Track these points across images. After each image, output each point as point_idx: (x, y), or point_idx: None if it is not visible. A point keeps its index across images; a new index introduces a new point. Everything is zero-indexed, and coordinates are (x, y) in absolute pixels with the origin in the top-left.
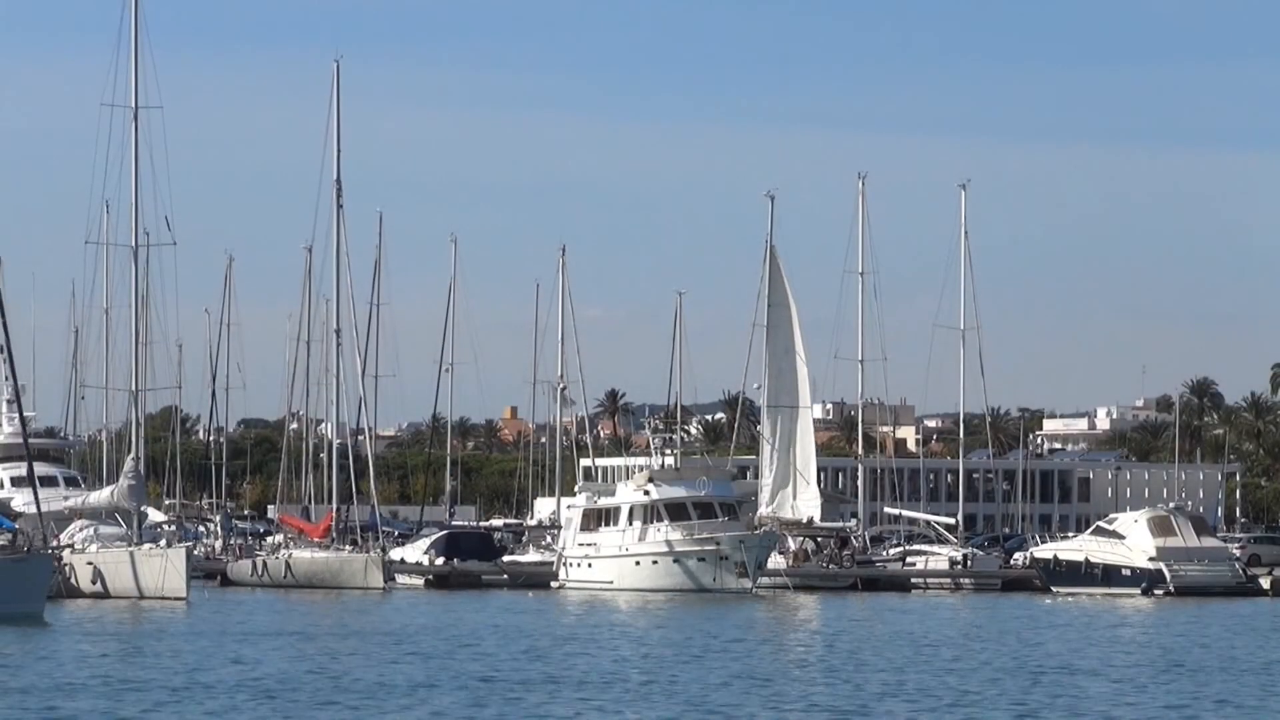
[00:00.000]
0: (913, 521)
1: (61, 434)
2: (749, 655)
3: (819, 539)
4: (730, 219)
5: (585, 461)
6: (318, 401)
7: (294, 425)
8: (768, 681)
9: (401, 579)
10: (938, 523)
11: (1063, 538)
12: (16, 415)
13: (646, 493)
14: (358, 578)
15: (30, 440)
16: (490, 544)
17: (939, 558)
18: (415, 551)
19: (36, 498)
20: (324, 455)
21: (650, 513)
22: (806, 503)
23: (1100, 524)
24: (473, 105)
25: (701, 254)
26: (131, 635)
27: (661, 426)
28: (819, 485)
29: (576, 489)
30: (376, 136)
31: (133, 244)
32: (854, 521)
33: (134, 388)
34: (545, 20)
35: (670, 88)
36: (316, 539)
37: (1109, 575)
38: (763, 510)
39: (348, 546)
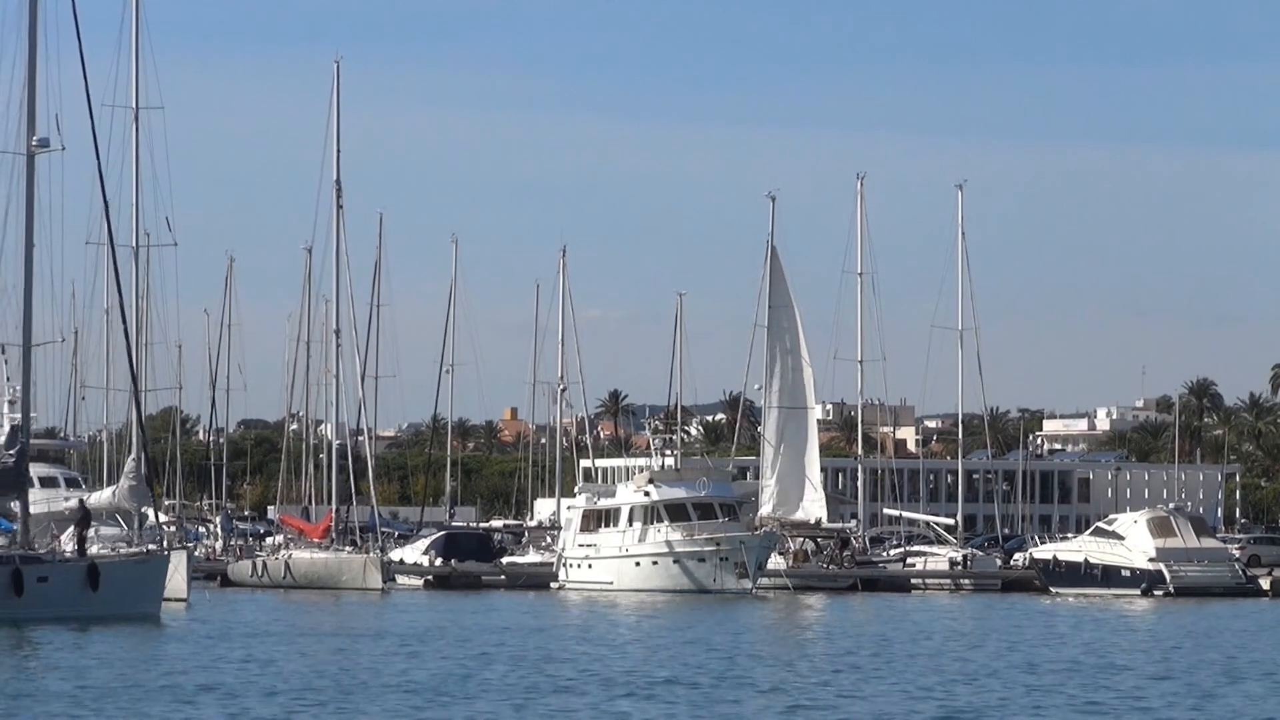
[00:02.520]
0: (912, 522)
1: (61, 434)
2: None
3: (819, 540)
4: (730, 219)
5: (585, 462)
6: (318, 402)
7: (294, 426)
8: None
9: (401, 579)
10: (937, 523)
11: (1062, 538)
12: (19, 415)
13: (647, 493)
14: (357, 578)
15: (31, 441)
16: (488, 545)
17: (939, 558)
18: (414, 552)
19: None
20: (324, 456)
21: (650, 513)
22: (814, 504)
23: (1100, 525)
24: (473, 105)
25: (701, 254)
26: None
27: (662, 427)
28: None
29: (576, 490)
30: (376, 136)
31: (133, 244)
32: (854, 522)
33: (133, 387)
34: (545, 21)
35: (670, 88)
36: (316, 539)
37: (1109, 576)
38: (764, 511)
39: (347, 547)
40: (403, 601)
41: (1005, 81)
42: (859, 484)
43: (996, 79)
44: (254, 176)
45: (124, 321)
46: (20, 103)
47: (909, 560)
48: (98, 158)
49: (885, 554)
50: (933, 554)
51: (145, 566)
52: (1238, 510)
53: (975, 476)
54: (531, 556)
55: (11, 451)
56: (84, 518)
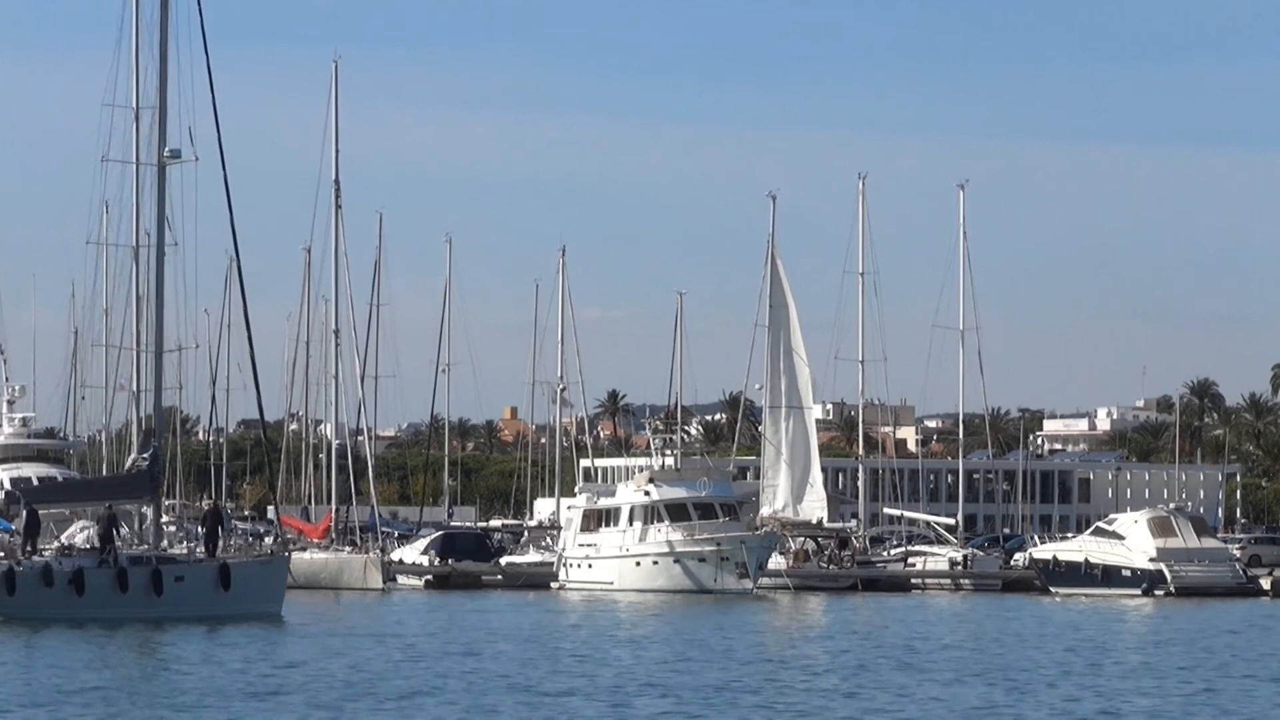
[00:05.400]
0: (913, 522)
1: (61, 434)
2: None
3: (819, 539)
4: (730, 219)
5: (585, 462)
6: (317, 402)
7: (294, 426)
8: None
9: (402, 579)
10: (938, 523)
11: (1062, 538)
12: (18, 416)
13: (647, 493)
14: (357, 578)
15: (30, 441)
16: (485, 545)
17: (939, 558)
18: (413, 552)
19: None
20: (324, 456)
21: (651, 513)
22: (813, 504)
23: (1100, 524)
24: (472, 105)
25: (701, 254)
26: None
27: (662, 427)
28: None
29: (577, 489)
30: (376, 136)
31: (133, 244)
32: (854, 522)
33: (134, 388)
34: (545, 20)
35: (670, 87)
36: (316, 540)
37: (1109, 576)
38: (764, 511)
39: (347, 547)
40: (418, 601)
41: (1005, 81)
42: (859, 484)
43: (996, 79)
44: (254, 176)
45: (247, 327)
46: (152, 114)
47: (909, 560)
48: (223, 167)
49: (885, 554)
50: (933, 554)
51: (269, 567)
52: (1238, 510)
53: (975, 476)
54: (531, 556)
55: (145, 455)
56: (214, 514)
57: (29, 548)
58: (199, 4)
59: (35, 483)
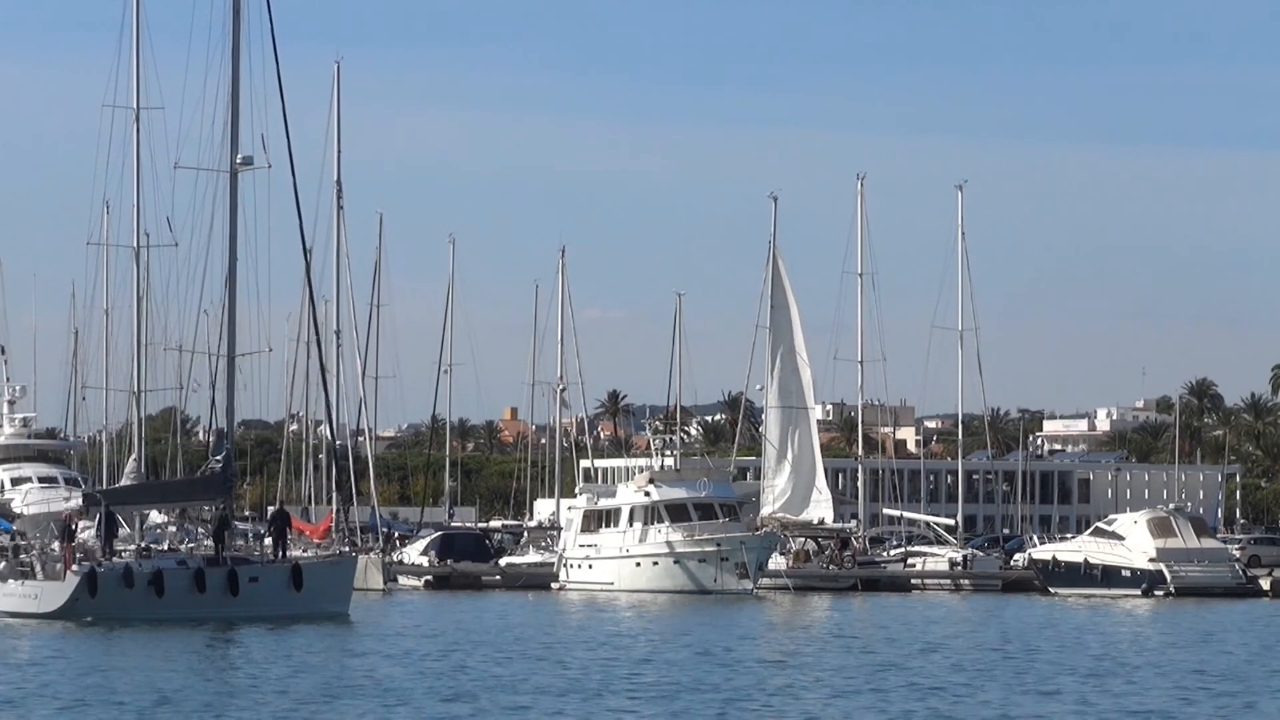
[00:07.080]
0: (913, 523)
1: (61, 434)
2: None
3: (820, 540)
4: (731, 220)
5: (585, 463)
6: (317, 402)
7: (294, 426)
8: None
9: (402, 579)
10: (937, 524)
11: (1062, 539)
12: (18, 416)
13: (647, 494)
14: (358, 579)
15: (31, 441)
16: (483, 545)
17: (939, 559)
18: (412, 552)
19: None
20: (323, 456)
21: (651, 514)
22: (820, 504)
23: (1099, 525)
24: (473, 105)
25: (702, 255)
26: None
27: (662, 428)
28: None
29: (577, 490)
30: (377, 136)
31: (134, 245)
32: (854, 522)
33: (134, 389)
34: (545, 21)
35: (671, 88)
36: (316, 540)
37: (1109, 576)
38: (766, 511)
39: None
40: (422, 602)
41: (1005, 81)
42: (859, 484)
43: (996, 79)
44: (253, 176)
45: (316, 334)
46: (224, 121)
47: (909, 560)
48: (293, 173)
49: (886, 554)
50: (933, 554)
51: (338, 568)
52: (1238, 511)
53: (975, 477)
54: (531, 556)
55: (218, 458)
56: (279, 514)
57: (108, 549)
58: (268, 5)
59: (36, 482)
